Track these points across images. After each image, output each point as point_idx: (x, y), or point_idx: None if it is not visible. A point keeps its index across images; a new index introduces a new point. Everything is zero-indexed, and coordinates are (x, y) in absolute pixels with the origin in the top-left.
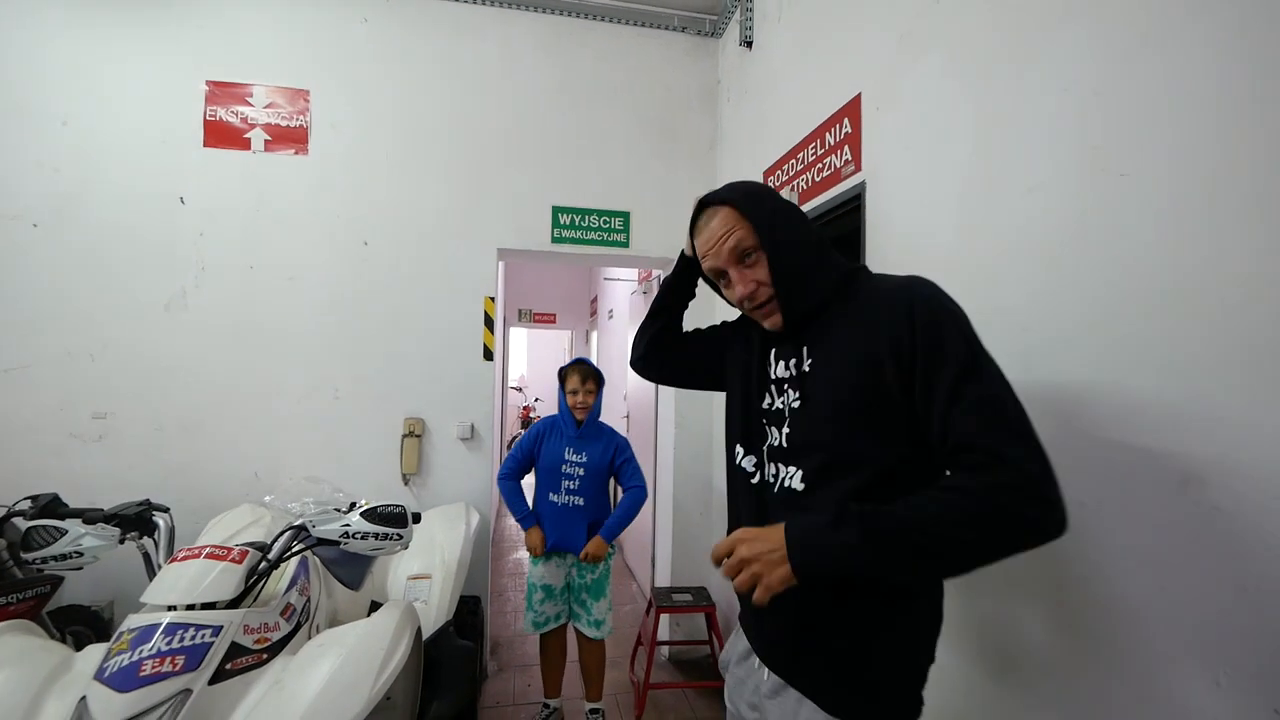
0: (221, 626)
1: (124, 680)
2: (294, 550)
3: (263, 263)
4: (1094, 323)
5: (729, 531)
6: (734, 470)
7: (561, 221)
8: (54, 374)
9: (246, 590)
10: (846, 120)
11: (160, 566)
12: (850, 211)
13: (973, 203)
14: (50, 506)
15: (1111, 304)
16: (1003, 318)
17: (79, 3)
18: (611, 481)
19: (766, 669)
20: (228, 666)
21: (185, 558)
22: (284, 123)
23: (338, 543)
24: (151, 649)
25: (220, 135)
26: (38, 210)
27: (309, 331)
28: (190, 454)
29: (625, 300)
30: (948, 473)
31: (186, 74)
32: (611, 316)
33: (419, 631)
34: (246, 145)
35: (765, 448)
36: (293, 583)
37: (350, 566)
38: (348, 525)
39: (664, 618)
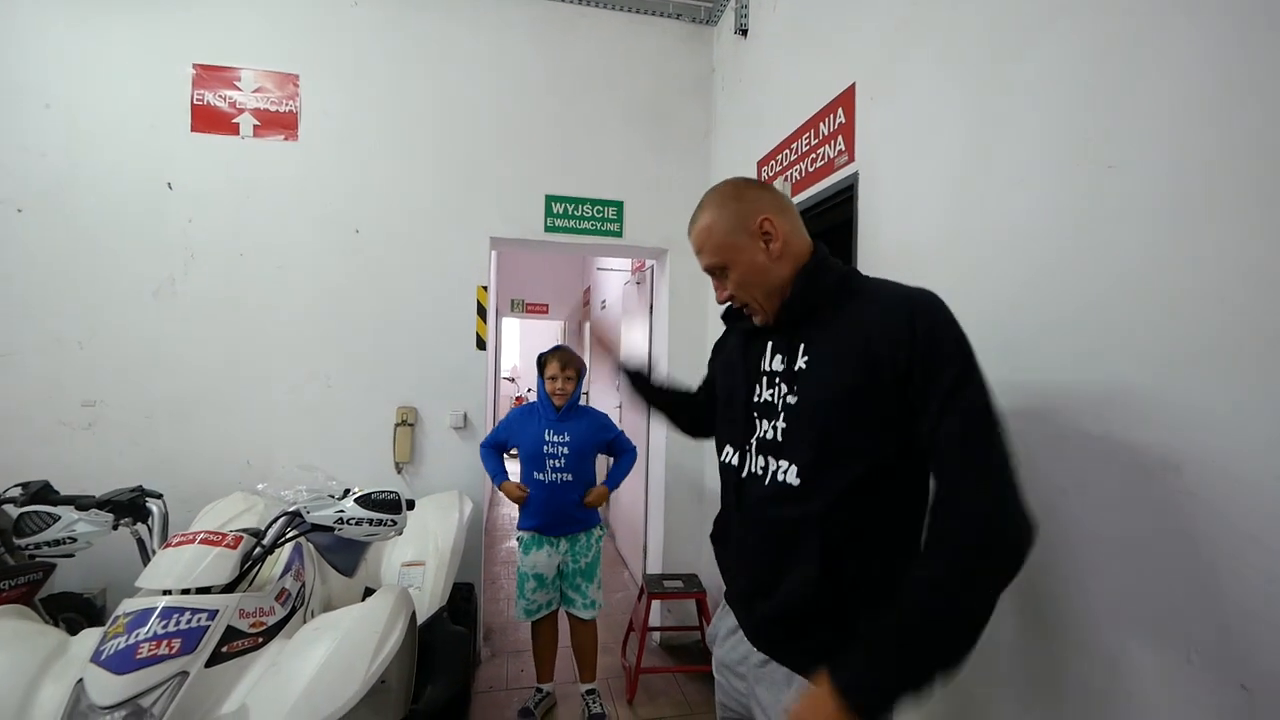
0: (217, 610)
1: (121, 663)
2: (288, 536)
3: (252, 249)
4: (1079, 314)
5: (714, 528)
6: (722, 467)
7: (555, 210)
8: (42, 361)
9: (242, 575)
10: (840, 110)
11: (155, 552)
12: (843, 202)
13: (964, 194)
14: (41, 493)
15: (1096, 296)
16: (993, 308)
17: None
18: (598, 458)
19: (754, 647)
20: (224, 650)
21: (180, 543)
22: (273, 108)
23: (332, 529)
24: (148, 632)
25: (208, 120)
26: (23, 195)
27: (300, 319)
28: (181, 442)
29: (618, 290)
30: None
31: (172, 57)
32: (604, 307)
33: (414, 616)
34: (235, 130)
35: (754, 440)
36: (287, 568)
37: (344, 553)
38: (342, 511)
39: (655, 604)
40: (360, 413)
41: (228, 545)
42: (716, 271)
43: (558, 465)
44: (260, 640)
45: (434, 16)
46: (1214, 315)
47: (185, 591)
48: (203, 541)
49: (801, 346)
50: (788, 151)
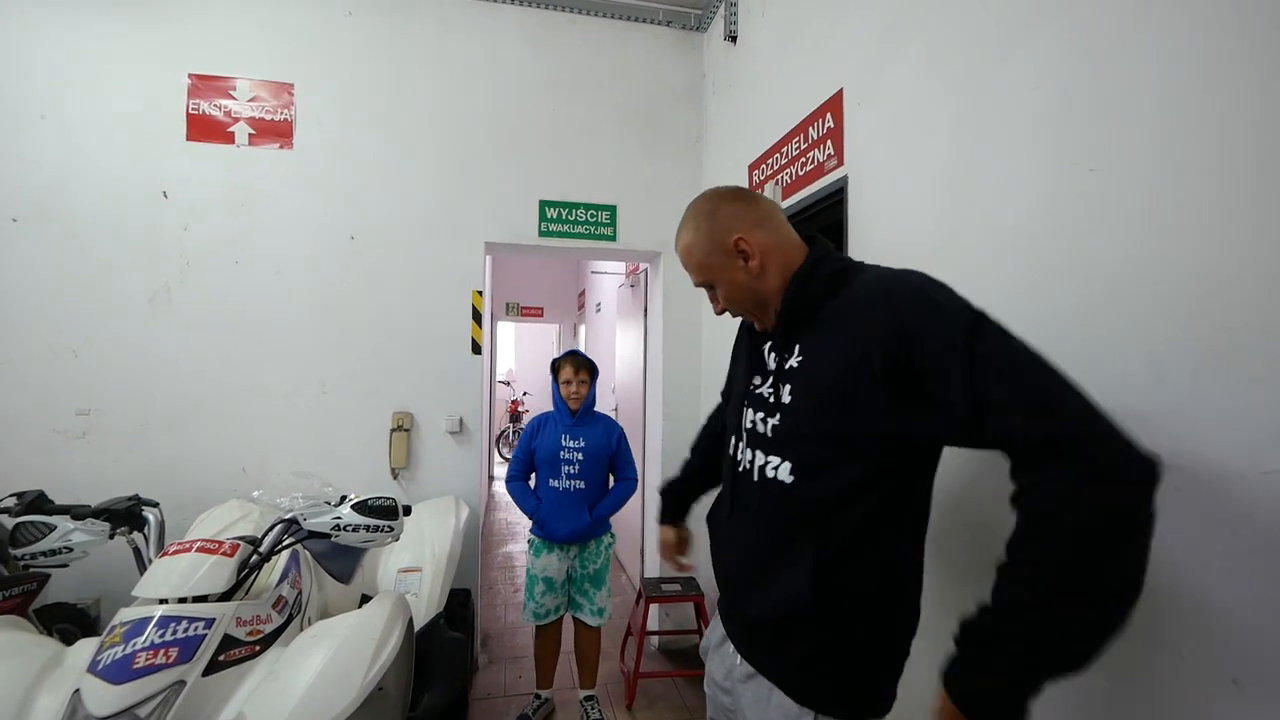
0: (214, 619)
1: (117, 672)
2: (285, 543)
3: (248, 257)
4: (1069, 314)
5: (708, 517)
6: (726, 460)
7: (548, 215)
8: (36, 370)
9: (238, 583)
10: (829, 115)
11: (151, 561)
12: (833, 205)
13: (952, 196)
14: (36, 503)
15: (1085, 295)
16: (981, 309)
17: None
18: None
19: (739, 655)
20: (221, 658)
21: (176, 552)
22: (268, 116)
23: (328, 536)
24: (145, 641)
25: (203, 129)
26: (18, 205)
27: (296, 326)
28: (176, 450)
29: (613, 293)
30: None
31: (168, 66)
32: (599, 310)
33: (411, 623)
34: (230, 139)
35: (744, 430)
36: (284, 576)
37: (341, 560)
38: (338, 518)
39: (653, 608)
40: (356, 419)
41: (224, 553)
42: (706, 287)
43: (571, 471)
44: (257, 648)
45: (427, 25)
46: (1200, 314)
47: (182, 600)
48: (199, 550)
49: (796, 346)
50: (778, 156)
